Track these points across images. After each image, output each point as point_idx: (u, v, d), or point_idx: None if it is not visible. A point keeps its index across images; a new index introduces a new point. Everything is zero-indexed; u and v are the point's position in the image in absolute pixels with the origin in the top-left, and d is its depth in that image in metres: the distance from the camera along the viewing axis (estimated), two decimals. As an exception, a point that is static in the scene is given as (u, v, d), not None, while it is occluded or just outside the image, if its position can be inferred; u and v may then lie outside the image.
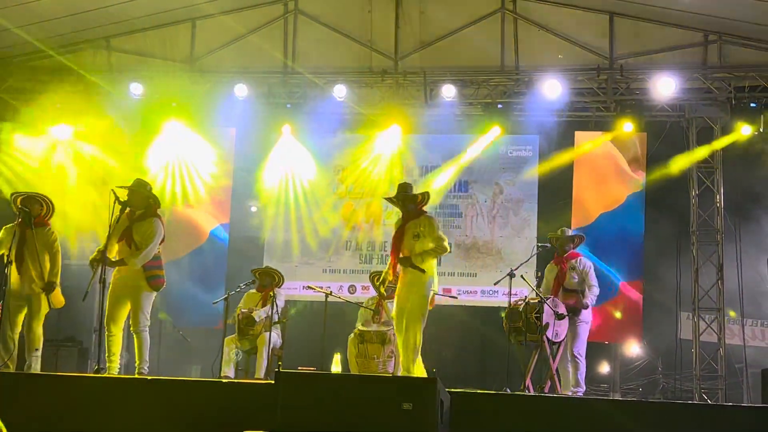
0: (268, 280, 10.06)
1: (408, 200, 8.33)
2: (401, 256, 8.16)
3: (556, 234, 9.58)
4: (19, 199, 8.66)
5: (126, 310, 8.32)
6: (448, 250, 8.41)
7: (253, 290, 10.12)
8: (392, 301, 9.72)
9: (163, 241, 8.46)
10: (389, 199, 8.61)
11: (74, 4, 11.55)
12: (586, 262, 9.46)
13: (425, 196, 8.43)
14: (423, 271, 8.05)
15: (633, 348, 12.92)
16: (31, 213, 8.57)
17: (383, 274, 8.47)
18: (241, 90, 12.14)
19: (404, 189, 8.40)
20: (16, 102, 12.40)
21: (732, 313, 12.40)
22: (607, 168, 12.36)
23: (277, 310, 9.58)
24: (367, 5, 12.22)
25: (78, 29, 12.18)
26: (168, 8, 12.15)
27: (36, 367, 8.48)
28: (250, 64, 12.42)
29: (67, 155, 12.63)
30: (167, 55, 12.58)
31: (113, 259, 8.24)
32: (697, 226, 12.21)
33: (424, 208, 8.42)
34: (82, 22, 11.94)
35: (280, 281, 10.14)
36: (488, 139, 12.54)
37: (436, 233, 8.13)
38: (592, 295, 9.26)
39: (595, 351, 12.46)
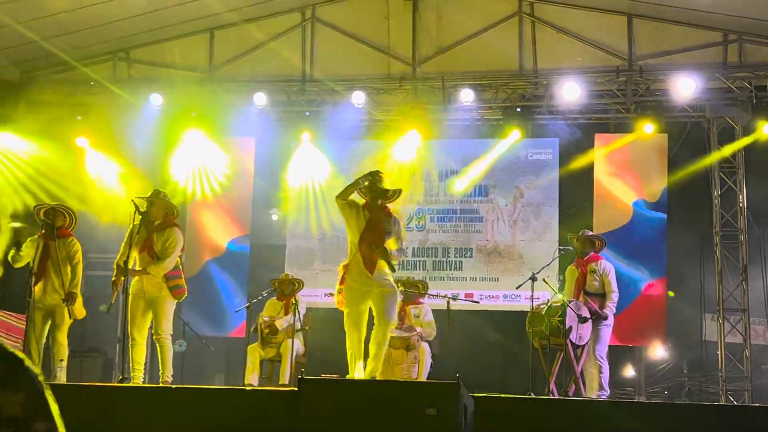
0: (289, 288, 10.07)
1: (380, 194, 7.61)
2: (379, 245, 7.37)
3: (577, 235, 9.51)
4: (42, 211, 8.73)
5: (149, 318, 8.35)
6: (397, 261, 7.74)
7: (274, 298, 10.14)
8: (415, 307, 9.75)
9: (183, 250, 8.49)
10: (356, 186, 7.70)
11: (94, 16, 11.62)
12: (606, 265, 9.33)
13: (397, 192, 7.75)
14: (393, 269, 7.51)
15: (658, 351, 12.83)
16: (54, 224, 8.62)
17: (340, 268, 7.67)
18: (260, 99, 12.16)
19: (379, 179, 7.66)
20: (37, 114, 12.48)
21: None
22: (627, 170, 12.28)
23: (299, 317, 9.59)
24: (384, 12, 12.22)
25: (98, 41, 12.28)
26: (186, 19, 12.21)
27: (61, 378, 8.54)
28: (268, 72, 12.46)
29: (89, 166, 12.71)
30: (186, 66, 12.67)
31: (135, 269, 8.27)
32: (720, 226, 12.09)
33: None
34: (102, 33, 12.04)
35: (299, 287, 10.15)
36: (508, 143, 12.50)
37: (401, 239, 7.65)
38: (611, 303, 9.07)
39: (620, 354, 12.41)
